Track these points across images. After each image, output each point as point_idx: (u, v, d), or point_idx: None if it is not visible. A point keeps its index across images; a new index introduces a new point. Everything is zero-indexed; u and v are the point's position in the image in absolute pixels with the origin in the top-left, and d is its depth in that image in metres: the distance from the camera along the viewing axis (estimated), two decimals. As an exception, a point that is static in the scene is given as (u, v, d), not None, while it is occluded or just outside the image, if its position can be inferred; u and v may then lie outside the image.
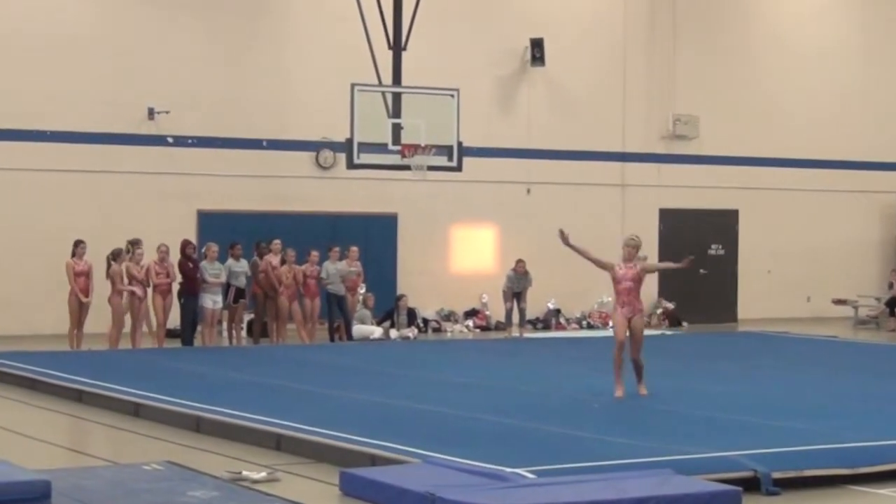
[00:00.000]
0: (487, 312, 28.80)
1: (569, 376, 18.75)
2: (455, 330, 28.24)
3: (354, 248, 25.15)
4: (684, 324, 30.42)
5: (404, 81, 24.45)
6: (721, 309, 31.74)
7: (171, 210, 26.38)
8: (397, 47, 24.71)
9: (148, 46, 26.51)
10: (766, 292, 32.11)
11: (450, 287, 28.70)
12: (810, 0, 33.21)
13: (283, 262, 23.95)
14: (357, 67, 24.79)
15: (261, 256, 23.98)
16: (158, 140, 26.69)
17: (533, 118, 29.92)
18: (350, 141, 23.51)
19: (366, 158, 23.78)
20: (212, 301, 23.09)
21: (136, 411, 15.34)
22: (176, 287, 22.94)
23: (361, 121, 23.42)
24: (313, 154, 27.87)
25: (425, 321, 27.90)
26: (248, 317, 24.73)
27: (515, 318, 26.42)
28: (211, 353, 21.95)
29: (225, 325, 24.20)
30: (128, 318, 22.30)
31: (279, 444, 12.88)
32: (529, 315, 26.83)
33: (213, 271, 23.08)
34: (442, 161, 24.13)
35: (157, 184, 26.55)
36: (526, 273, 26.22)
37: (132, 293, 22.04)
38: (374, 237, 27.92)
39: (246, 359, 21.08)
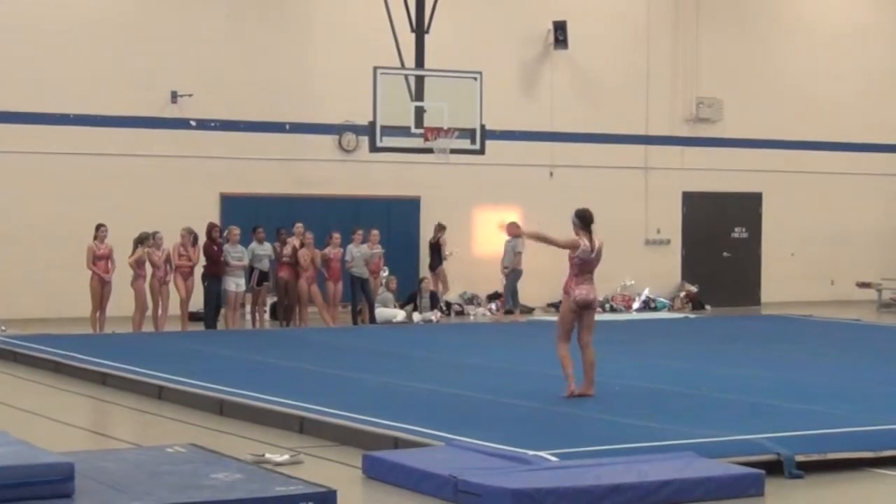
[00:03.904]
0: (510, 296, 28.77)
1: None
2: (478, 313, 28.24)
3: (375, 232, 25.14)
4: (707, 307, 30.36)
5: (427, 64, 24.44)
6: (744, 292, 31.68)
7: (194, 193, 26.42)
8: (420, 30, 24.70)
9: (171, 30, 26.54)
10: (789, 275, 32.02)
11: (472, 270, 28.67)
12: (835, -18, 33.14)
13: (302, 244, 23.96)
14: (380, 51, 24.79)
15: (282, 243, 23.96)
16: (182, 123, 26.72)
17: (556, 101, 29.85)
18: (373, 124, 23.51)
19: (389, 142, 23.80)
20: (234, 284, 23.12)
21: (159, 394, 15.39)
22: (199, 270, 22.99)
23: (384, 104, 23.42)
24: (336, 137, 27.87)
25: (448, 304, 27.91)
26: (271, 300, 24.79)
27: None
28: (234, 336, 21.99)
29: (248, 307, 24.25)
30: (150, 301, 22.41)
31: (302, 426, 12.89)
32: (552, 299, 26.78)
33: (235, 254, 23.12)
34: (465, 144, 24.13)
35: (180, 167, 26.59)
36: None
37: (153, 276, 22.15)
38: (397, 220, 27.93)
39: (269, 342, 21.11)
